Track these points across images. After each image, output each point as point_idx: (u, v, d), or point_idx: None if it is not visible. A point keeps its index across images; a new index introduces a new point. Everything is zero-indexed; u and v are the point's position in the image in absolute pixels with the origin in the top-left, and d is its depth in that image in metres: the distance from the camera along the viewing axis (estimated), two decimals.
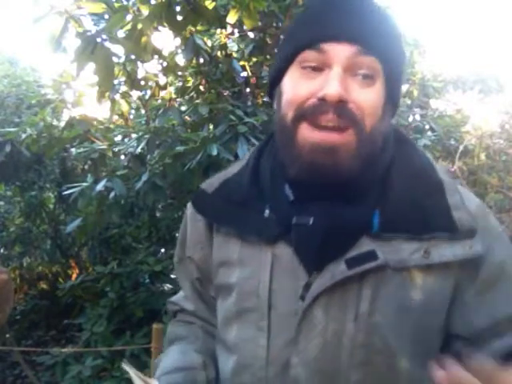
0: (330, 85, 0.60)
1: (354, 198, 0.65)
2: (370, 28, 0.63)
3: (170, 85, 2.61)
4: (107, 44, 1.68)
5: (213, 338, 0.79)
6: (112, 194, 2.28)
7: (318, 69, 0.62)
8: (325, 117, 0.60)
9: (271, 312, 0.67)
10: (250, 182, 0.72)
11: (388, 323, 0.63)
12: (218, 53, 2.45)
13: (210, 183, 0.76)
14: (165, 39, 2.15)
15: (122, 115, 2.87)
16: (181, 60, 2.42)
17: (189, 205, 0.81)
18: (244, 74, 2.56)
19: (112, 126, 2.88)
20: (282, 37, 2.42)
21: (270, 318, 0.67)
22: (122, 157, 2.58)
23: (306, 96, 0.62)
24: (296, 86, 0.64)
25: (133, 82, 2.28)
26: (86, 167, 2.68)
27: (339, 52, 0.61)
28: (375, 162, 0.65)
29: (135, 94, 2.65)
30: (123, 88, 2.47)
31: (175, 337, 0.83)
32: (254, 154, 0.77)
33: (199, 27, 2.25)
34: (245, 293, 0.69)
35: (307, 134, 0.62)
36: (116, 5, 1.79)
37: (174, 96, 2.59)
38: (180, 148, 2.20)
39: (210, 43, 2.43)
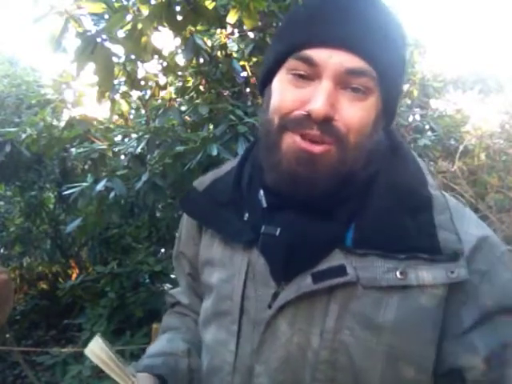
0: (317, 101, 0.56)
1: (326, 211, 0.62)
2: (368, 35, 0.57)
3: (170, 85, 2.61)
4: (107, 44, 1.68)
5: None
6: (112, 194, 2.28)
7: (307, 78, 0.59)
8: (309, 132, 0.57)
9: (243, 318, 0.66)
10: (234, 184, 0.71)
11: (356, 341, 0.59)
12: (218, 53, 2.45)
13: (202, 181, 0.76)
14: (165, 39, 2.15)
15: (121, 115, 2.87)
16: (181, 60, 2.42)
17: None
18: (244, 74, 2.56)
19: (112, 126, 2.88)
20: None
21: (240, 323, 0.66)
22: (122, 157, 2.58)
23: (292, 106, 0.59)
24: (283, 93, 0.60)
25: (133, 82, 2.28)
26: (86, 167, 2.68)
27: (330, 62, 0.56)
28: (353, 180, 0.61)
29: (135, 93, 2.65)
30: (123, 88, 2.47)
31: (167, 327, 0.84)
32: (243, 156, 0.76)
33: (199, 27, 2.24)
34: (221, 295, 0.69)
35: (290, 142, 0.59)
36: (116, 5, 1.79)
37: (174, 96, 2.59)
38: (180, 148, 2.20)
39: (210, 43, 2.43)
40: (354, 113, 0.58)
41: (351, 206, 0.62)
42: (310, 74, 0.58)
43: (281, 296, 0.62)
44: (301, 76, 0.59)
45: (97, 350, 0.66)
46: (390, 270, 0.58)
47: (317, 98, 0.56)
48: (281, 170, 0.60)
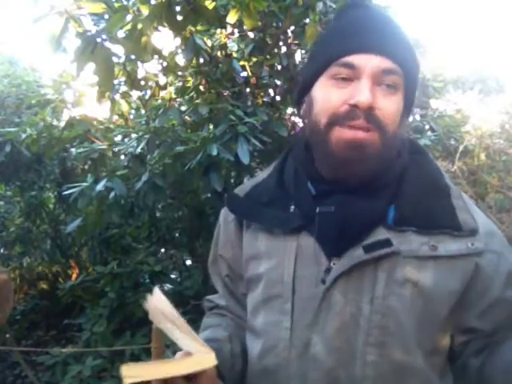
0: (362, 93, 0.68)
1: (371, 194, 0.72)
2: (394, 43, 0.71)
3: (170, 85, 2.61)
4: (107, 44, 1.68)
5: (243, 330, 0.88)
6: (112, 194, 2.28)
7: (348, 79, 0.70)
8: (356, 122, 0.68)
9: (295, 296, 0.74)
10: (276, 184, 0.82)
11: (402, 306, 0.69)
12: (218, 53, 2.45)
13: (242, 188, 0.87)
14: (165, 39, 2.15)
15: (122, 115, 2.86)
16: (181, 60, 2.42)
17: (222, 210, 0.91)
18: (244, 73, 2.56)
19: (112, 126, 2.88)
20: (281, 38, 2.43)
21: (293, 302, 0.74)
22: (122, 157, 2.58)
23: (339, 103, 0.70)
24: (329, 95, 0.72)
25: (133, 82, 2.28)
26: (86, 167, 2.67)
27: (368, 64, 0.69)
28: (392, 164, 0.74)
29: (135, 93, 2.65)
30: (123, 88, 2.46)
31: (208, 325, 0.91)
32: (279, 160, 0.87)
33: (199, 27, 2.24)
34: (271, 281, 0.77)
35: (339, 134, 0.70)
36: (116, 5, 1.79)
37: (174, 96, 2.59)
38: (180, 148, 2.19)
39: (209, 43, 2.43)
40: (389, 104, 0.70)
41: (390, 190, 0.74)
42: (351, 76, 0.70)
43: (334, 269, 0.71)
44: (342, 79, 0.70)
45: (157, 303, 0.65)
46: (424, 243, 0.70)
47: (362, 91, 0.68)
48: (334, 159, 0.70)
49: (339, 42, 0.72)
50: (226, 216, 0.89)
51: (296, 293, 0.74)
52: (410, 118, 3.62)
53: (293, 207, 0.77)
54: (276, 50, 2.49)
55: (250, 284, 0.83)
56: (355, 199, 0.72)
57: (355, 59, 0.69)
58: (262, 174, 0.89)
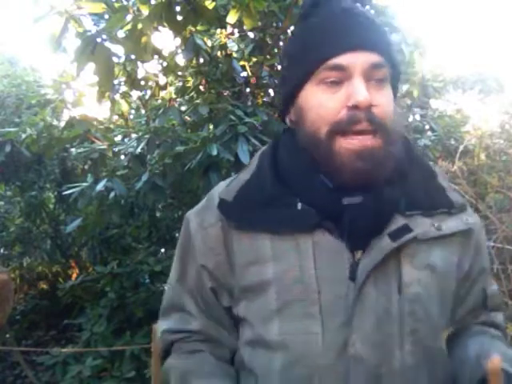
0: (359, 92, 0.65)
1: (387, 183, 0.71)
2: (376, 36, 0.70)
3: (170, 85, 2.61)
4: (107, 44, 1.68)
5: (226, 362, 0.78)
6: (112, 194, 2.28)
7: (339, 82, 0.68)
8: (359, 125, 0.66)
9: (321, 297, 0.69)
10: (273, 182, 0.74)
11: (424, 291, 0.70)
12: (218, 53, 2.45)
13: (227, 192, 0.76)
14: (165, 39, 2.15)
15: (122, 115, 2.87)
16: (181, 60, 2.42)
17: (191, 216, 0.80)
18: (244, 73, 2.56)
19: (112, 126, 2.88)
20: (281, 38, 2.42)
21: (320, 303, 0.68)
22: (122, 157, 2.58)
23: (337, 109, 0.67)
24: (323, 102, 0.68)
25: (133, 82, 2.28)
26: (86, 167, 2.67)
27: (357, 62, 0.67)
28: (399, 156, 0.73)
29: (135, 93, 2.65)
30: (123, 88, 2.47)
31: (185, 372, 0.77)
32: (267, 159, 0.78)
33: (199, 27, 2.24)
34: (286, 284, 0.70)
35: (345, 143, 0.67)
36: (116, 5, 1.79)
37: (174, 96, 2.59)
38: (180, 148, 2.19)
39: (210, 43, 2.43)
40: (383, 99, 0.69)
41: (397, 178, 0.73)
42: (341, 78, 0.67)
43: (364, 263, 0.68)
44: (333, 82, 0.68)
45: None
46: (430, 225, 0.72)
47: (358, 91, 0.65)
48: (346, 172, 0.67)
49: (322, 44, 0.68)
50: (199, 222, 0.78)
51: (321, 294, 0.68)
52: (410, 118, 3.62)
53: (300, 204, 0.70)
54: (276, 50, 2.49)
55: (246, 293, 0.74)
56: (380, 188, 0.69)
57: (343, 60, 0.66)
58: (242, 176, 0.78)
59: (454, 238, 0.74)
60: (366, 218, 0.69)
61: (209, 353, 0.78)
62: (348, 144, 0.67)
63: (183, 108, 2.54)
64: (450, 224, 0.73)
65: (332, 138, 0.67)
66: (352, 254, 0.69)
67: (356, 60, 0.66)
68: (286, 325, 0.69)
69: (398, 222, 0.70)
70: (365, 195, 0.69)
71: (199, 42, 2.18)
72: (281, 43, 2.50)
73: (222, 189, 0.79)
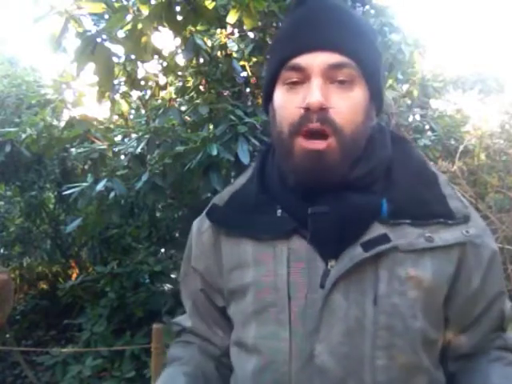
0: (311, 94, 0.64)
1: (363, 189, 0.70)
2: (343, 35, 0.67)
3: (170, 85, 2.61)
4: (107, 44, 1.67)
5: (209, 357, 0.82)
6: (112, 194, 2.28)
7: (299, 82, 0.67)
8: (310, 125, 0.65)
9: (291, 304, 0.68)
10: (258, 189, 0.77)
11: (405, 303, 0.66)
12: (218, 53, 2.45)
13: (221, 197, 0.81)
14: (165, 39, 2.15)
15: (122, 115, 2.87)
16: (181, 60, 2.42)
17: (195, 222, 0.85)
18: (244, 73, 2.56)
19: (112, 126, 2.88)
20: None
21: (290, 310, 0.68)
22: (122, 157, 2.58)
23: (294, 109, 0.67)
24: (284, 103, 0.69)
25: (133, 82, 2.28)
26: (86, 167, 2.67)
27: (315, 63, 0.65)
28: (367, 158, 0.70)
29: (135, 93, 2.65)
30: (123, 88, 2.47)
31: (172, 358, 0.83)
32: (257, 164, 0.81)
33: (199, 27, 2.24)
34: (262, 289, 0.71)
35: (300, 144, 0.67)
36: (116, 5, 1.79)
37: (174, 96, 2.59)
38: (180, 148, 2.20)
39: (210, 43, 2.43)
40: (344, 103, 0.66)
41: (381, 182, 0.71)
42: (302, 79, 0.67)
43: (333, 271, 0.67)
44: (294, 83, 0.68)
45: None
46: (420, 235, 0.67)
47: (311, 92, 0.65)
48: (297, 170, 0.68)
49: (285, 45, 0.69)
50: (199, 227, 0.82)
51: (292, 300, 0.68)
52: (410, 118, 3.62)
53: (280, 211, 0.72)
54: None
55: (233, 296, 0.76)
56: (348, 196, 0.68)
57: (301, 60, 0.66)
58: (239, 180, 0.82)
59: (451, 250, 0.68)
60: (329, 228, 0.67)
61: (195, 345, 0.83)
62: (302, 145, 0.67)
63: (183, 108, 2.54)
64: (446, 235, 0.68)
65: (292, 139, 0.68)
66: (326, 262, 0.68)
67: (313, 61, 0.65)
68: (261, 329, 0.71)
69: (376, 231, 0.67)
70: (331, 204, 0.67)
71: (199, 41, 2.19)
72: None
73: (218, 194, 0.83)
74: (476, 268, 0.70)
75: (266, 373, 0.69)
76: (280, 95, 0.70)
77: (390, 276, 0.66)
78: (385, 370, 0.65)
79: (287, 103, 0.68)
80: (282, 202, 0.73)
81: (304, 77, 0.67)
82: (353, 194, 0.69)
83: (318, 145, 0.65)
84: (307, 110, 0.65)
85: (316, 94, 0.64)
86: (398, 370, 0.65)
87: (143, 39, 1.70)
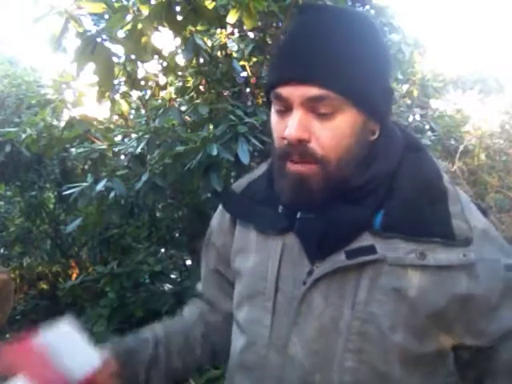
0: (290, 127, 0.66)
1: (355, 201, 0.71)
2: (325, 65, 0.65)
3: (170, 85, 2.61)
4: (107, 44, 1.68)
5: (204, 324, 0.93)
6: (112, 194, 2.28)
7: (286, 110, 0.68)
8: (291, 157, 0.68)
9: (277, 295, 0.74)
10: (267, 183, 0.81)
11: (384, 313, 0.67)
12: (218, 53, 2.45)
13: (239, 184, 0.87)
14: (165, 39, 2.15)
15: (121, 115, 2.87)
16: (181, 60, 2.42)
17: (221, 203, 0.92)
18: (244, 73, 2.56)
19: (112, 126, 2.88)
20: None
21: (275, 300, 0.74)
22: (122, 157, 2.58)
23: (280, 137, 0.69)
24: (274, 128, 0.72)
25: (133, 82, 2.28)
26: (86, 167, 2.68)
27: (295, 94, 0.66)
28: (361, 174, 0.70)
29: (135, 93, 2.65)
30: (123, 88, 2.47)
31: (179, 314, 0.97)
32: (271, 160, 0.85)
33: (199, 27, 2.24)
34: (255, 277, 0.77)
35: (288, 167, 0.69)
36: (116, 5, 1.79)
37: (173, 96, 2.59)
38: (180, 148, 2.20)
39: (210, 43, 2.43)
40: (325, 134, 0.66)
41: (379, 195, 0.71)
42: (286, 107, 0.68)
43: (316, 271, 0.70)
44: (281, 110, 0.69)
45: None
46: (412, 251, 0.67)
47: (290, 125, 0.66)
48: (283, 193, 0.71)
49: (272, 71, 0.72)
50: (222, 209, 0.90)
51: (279, 291, 0.74)
52: (410, 118, 3.63)
53: (281, 207, 0.77)
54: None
55: (236, 275, 0.84)
56: (337, 206, 0.70)
57: (283, 90, 0.67)
58: (258, 170, 0.88)
59: (443, 272, 0.66)
60: (313, 234, 0.71)
61: (197, 307, 0.96)
62: (287, 169, 0.69)
63: (183, 108, 2.54)
64: (441, 256, 0.66)
65: (282, 161, 0.70)
66: (312, 262, 0.72)
67: (293, 92, 0.66)
68: (249, 313, 0.77)
69: (363, 241, 0.69)
70: (318, 211, 0.70)
71: (199, 41, 2.18)
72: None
73: (238, 181, 0.89)
74: (491, 291, 0.67)
75: (248, 352, 0.76)
76: (273, 115, 0.72)
77: (372, 285, 0.67)
78: (353, 372, 0.67)
79: (276, 129, 0.71)
80: (281, 201, 0.77)
81: (287, 106, 0.68)
82: (342, 204, 0.70)
83: (300, 169, 0.68)
84: (286, 140, 0.67)
85: (293, 129, 0.65)
86: (368, 374, 0.67)
87: (143, 39, 1.70)
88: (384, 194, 0.71)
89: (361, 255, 0.67)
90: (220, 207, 0.91)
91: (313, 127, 0.66)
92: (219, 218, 0.90)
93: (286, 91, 0.67)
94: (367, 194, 0.71)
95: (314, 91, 0.65)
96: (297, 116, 0.66)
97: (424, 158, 0.76)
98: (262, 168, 0.87)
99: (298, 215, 0.73)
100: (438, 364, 0.72)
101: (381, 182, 0.71)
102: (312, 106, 0.66)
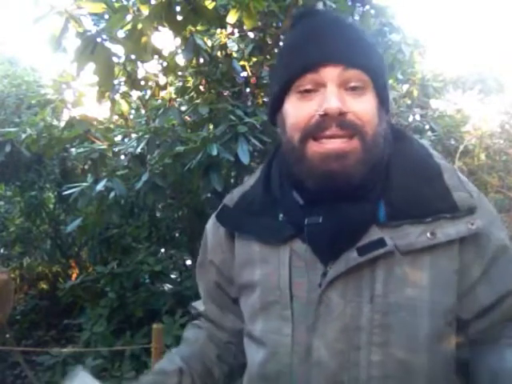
0: (330, 100, 0.66)
1: (358, 196, 0.70)
2: (352, 48, 0.70)
3: (170, 85, 2.61)
4: (107, 44, 1.67)
5: (215, 345, 0.90)
6: (112, 194, 2.28)
7: (313, 90, 0.69)
8: (329, 130, 0.67)
9: (293, 302, 0.73)
10: (263, 192, 0.81)
11: (403, 302, 0.68)
12: (218, 53, 2.45)
13: (231, 198, 0.85)
14: (165, 39, 2.14)
15: (122, 115, 2.87)
16: (181, 60, 2.42)
17: (211, 217, 0.90)
18: (244, 73, 2.56)
19: (112, 126, 2.88)
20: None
21: (292, 307, 0.73)
22: (122, 157, 2.58)
23: (309, 116, 0.68)
24: (297, 110, 0.70)
25: (133, 82, 2.28)
26: (86, 167, 2.67)
27: (330, 72, 0.68)
28: (379, 163, 0.72)
29: (135, 93, 2.65)
30: (123, 88, 2.47)
31: (183, 339, 0.93)
32: (265, 166, 0.85)
33: (199, 27, 2.24)
34: (268, 287, 0.76)
35: (315, 147, 0.68)
36: (116, 5, 1.79)
37: (173, 96, 2.58)
38: (180, 148, 2.19)
39: (210, 43, 2.43)
40: (360, 106, 0.68)
41: (378, 187, 0.72)
42: (315, 86, 0.69)
43: (330, 272, 0.70)
44: (307, 90, 0.69)
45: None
46: (422, 233, 0.68)
47: (329, 99, 0.67)
48: (315, 174, 0.69)
49: (299, 58, 0.71)
50: (214, 223, 0.87)
51: (294, 298, 0.73)
52: (410, 118, 3.62)
53: (281, 215, 0.77)
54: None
55: (243, 290, 0.82)
56: (342, 206, 0.70)
57: (317, 74, 0.68)
58: (249, 181, 0.86)
59: (453, 246, 0.68)
60: (323, 238, 0.71)
61: (204, 329, 0.92)
62: (318, 147, 0.68)
63: (183, 108, 2.54)
64: (449, 230, 0.67)
65: (304, 143, 0.69)
66: (324, 264, 0.72)
67: (329, 73, 0.68)
68: (266, 324, 0.76)
69: (373, 235, 0.69)
70: (325, 215, 0.70)
71: (199, 41, 2.18)
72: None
73: (229, 194, 0.86)
74: (475, 260, 0.70)
75: (270, 363, 0.75)
76: (293, 103, 0.71)
77: (387, 277, 0.68)
78: (380, 365, 0.67)
79: (300, 110, 0.70)
80: (283, 207, 0.77)
81: (318, 84, 0.68)
82: (346, 203, 0.70)
83: (341, 145, 0.67)
84: (324, 115, 0.67)
85: (334, 100, 0.66)
86: (394, 366, 0.68)
87: (143, 39, 1.70)
88: (381, 184, 0.72)
89: (372, 250, 0.68)
90: (210, 224, 0.89)
91: (347, 101, 0.68)
92: (213, 234, 0.88)
93: (318, 73, 0.68)
94: (372, 185, 0.72)
95: (348, 70, 0.68)
96: (334, 90, 0.67)
97: (410, 141, 0.78)
98: (254, 178, 0.86)
99: (306, 221, 0.72)
100: (453, 345, 0.72)
101: (380, 174, 0.73)
102: (344, 81, 0.68)
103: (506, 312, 0.72)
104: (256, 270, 0.79)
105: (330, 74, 0.68)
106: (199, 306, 0.94)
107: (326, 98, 0.67)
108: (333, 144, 0.67)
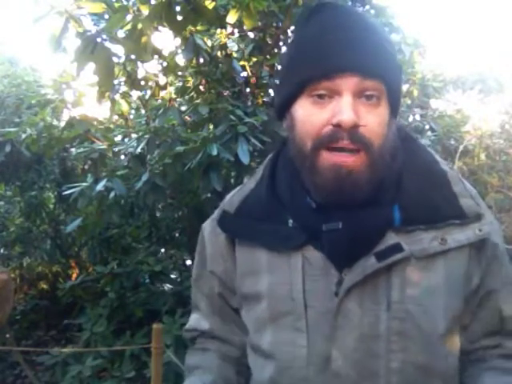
0: (344, 112, 0.64)
1: (374, 201, 0.70)
2: (370, 56, 0.67)
3: (170, 85, 2.60)
4: (107, 44, 1.67)
5: (229, 363, 0.84)
6: (112, 194, 2.28)
7: (328, 95, 0.67)
8: (340, 142, 0.65)
9: (307, 312, 0.71)
10: (268, 196, 0.77)
11: (419, 309, 0.68)
12: (218, 53, 2.45)
13: (231, 203, 0.80)
14: (165, 39, 2.14)
15: (122, 115, 2.87)
16: (181, 60, 2.42)
17: (205, 224, 0.86)
18: (244, 73, 2.56)
19: (112, 126, 2.88)
20: (281, 38, 2.43)
21: (306, 318, 0.71)
22: (122, 157, 2.58)
23: (322, 124, 0.67)
24: (309, 116, 0.68)
25: (133, 82, 2.28)
26: (86, 167, 2.68)
27: (347, 81, 0.65)
28: (388, 172, 0.71)
29: (135, 93, 2.65)
30: (123, 88, 2.47)
31: (191, 367, 0.85)
32: (268, 168, 0.81)
33: (199, 27, 2.24)
34: (278, 297, 0.73)
35: (326, 158, 0.67)
36: (116, 5, 1.79)
37: (173, 96, 2.58)
38: (180, 148, 2.19)
39: (210, 43, 2.43)
40: (373, 119, 0.67)
41: (391, 192, 0.71)
42: (330, 92, 0.67)
43: (346, 280, 0.69)
44: (322, 96, 0.67)
45: None
46: (434, 239, 0.68)
47: (344, 110, 0.65)
48: (326, 189, 0.68)
49: (316, 62, 0.67)
50: (212, 229, 0.83)
51: (308, 308, 0.71)
52: (410, 118, 3.62)
53: (291, 221, 0.73)
54: (276, 50, 2.49)
55: (246, 300, 0.78)
56: (360, 211, 0.69)
57: (333, 83, 0.66)
58: (248, 184, 0.82)
59: (462, 250, 0.70)
60: (343, 245, 0.69)
61: (214, 351, 0.85)
62: (327, 158, 0.67)
63: (183, 108, 2.54)
64: (459, 236, 0.68)
65: (316, 153, 0.67)
66: (340, 271, 0.70)
67: (346, 82, 0.65)
68: (277, 335, 0.73)
69: (389, 240, 0.69)
70: (345, 220, 0.68)
71: (199, 41, 2.18)
72: (281, 43, 2.50)
73: (227, 199, 0.83)
74: (478, 265, 0.71)
75: (283, 377, 0.71)
76: (305, 107, 0.69)
77: (403, 283, 0.68)
78: (400, 372, 0.67)
79: (313, 117, 0.68)
80: (293, 212, 0.74)
81: (334, 91, 0.66)
82: (363, 208, 0.69)
83: (348, 160, 0.66)
84: (337, 126, 0.65)
85: (349, 112, 0.64)
86: (413, 372, 0.67)
87: (143, 39, 1.70)
88: (395, 189, 0.72)
89: (389, 255, 0.67)
90: (208, 231, 0.84)
91: (361, 113, 0.66)
92: (212, 243, 0.83)
93: (337, 81, 0.65)
94: (383, 191, 0.71)
95: (367, 83, 0.66)
96: (349, 101, 0.65)
97: (418, 146, 0.78)
98: (253, 181, 0.82)
99: (324, 228, 0.69)
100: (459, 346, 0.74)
101: (393, 178, 0.72)
102: (360, 90, 0.66)
103: (489, 316, 0.74)
104: (262, 279, 0.75)
105: (347, 83, 0.65)
106: (197, 325, 0.87)
107: (340, 109, 0.65)
108: (341, 157, 0.66)
